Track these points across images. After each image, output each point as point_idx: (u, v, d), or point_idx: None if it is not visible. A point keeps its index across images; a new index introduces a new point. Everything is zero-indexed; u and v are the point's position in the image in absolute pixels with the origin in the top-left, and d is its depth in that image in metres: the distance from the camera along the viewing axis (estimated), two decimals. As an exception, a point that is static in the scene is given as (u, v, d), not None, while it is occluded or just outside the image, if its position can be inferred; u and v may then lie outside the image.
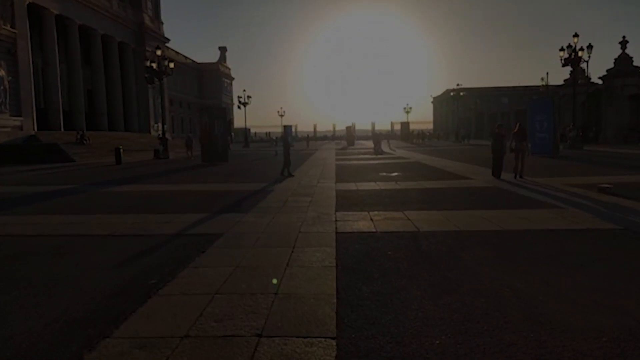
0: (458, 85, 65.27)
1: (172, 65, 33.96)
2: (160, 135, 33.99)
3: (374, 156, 33.10)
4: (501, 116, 76.25)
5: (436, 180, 15.54)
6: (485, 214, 9.01)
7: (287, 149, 18.32)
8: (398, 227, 7.92)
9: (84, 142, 36.96)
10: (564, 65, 34.02)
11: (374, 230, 7.69)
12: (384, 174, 18.67)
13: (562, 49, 33.73)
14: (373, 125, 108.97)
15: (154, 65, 33.30)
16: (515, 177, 15.42)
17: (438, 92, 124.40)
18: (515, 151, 15.61)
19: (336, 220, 8.57)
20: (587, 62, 34.03)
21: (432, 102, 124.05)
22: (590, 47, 33.26)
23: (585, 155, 27.63)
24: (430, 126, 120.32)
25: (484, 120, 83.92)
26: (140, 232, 7.93)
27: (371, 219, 8.62)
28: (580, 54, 33.51)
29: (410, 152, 38.29)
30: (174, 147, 49.43)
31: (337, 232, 7.56)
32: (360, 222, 8.35)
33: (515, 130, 16.17)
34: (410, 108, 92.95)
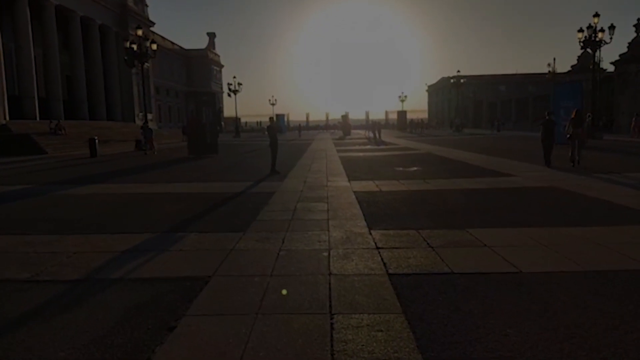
0: (458, 72, 62.44)
1: (154, 47, 30.78)
2: (143, 124, 30.83)
3: (376, 147, 30.35)
4: (501, 104, 73.73)
5: (470, 177, 12.80)
6: (584, 232, 6.29)
7: (275, 141, 15.38)
8: (479, 262, 5.15)
9: (59, 132, 33.72)
10: (582, 48, 31.44)
11: (447, 270, 4.91)
12: (401, 168, 15.91)
13: (580, 30, 31.06)
14: (367, 114, 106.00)
15: (135, 46, 30.10)
16: (573, 165, 14.78)
17: (432, 80, 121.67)
18: (571, 138, 15.01)
19: (378, 248, 5.78)
20: (607, 43, 31.35)
21: (427, 91, 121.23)
22: (612, 27, 30.57)
23: (613, 146, 25.08)
24: (425, 115, 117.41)
25: (483, 109, 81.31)
26: (76, 275, 5.07)
27: (429, 246, 5.83)
28: (600, 35, 30.85)
29: (414, 142, 35.54)
30: (160, 137, 46.36)
31: (389, 273, 4.80)
32: (416, 252, 5.58)
33: (572, 117, 15.47)
34: (406, 96, 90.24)
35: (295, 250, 5.76)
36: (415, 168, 15.98)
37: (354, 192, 10.62)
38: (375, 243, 6.01)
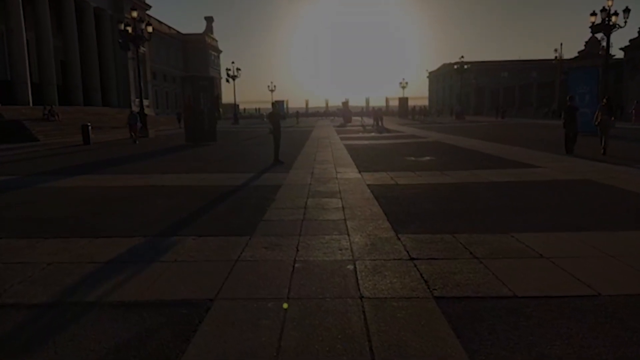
0: (461, 58, 61.08)
1: (150, 29, 29.50)
2: (138, 110, 29.68)
3: (380, 135, 29.31)
4: (504, 91, 72.49)
5: (491, 169, 11.82)
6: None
7: (278, 129, 14.34)
8: (544, 281, 4.18)
9: (52, 118, 32.56)
10: (593, 32, 30.29)
11: (508, 293, 3.93)
12: (412, 158, 14.92)
13: (593, 13, 29.83)
14: (367, 100, 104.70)
15: (129, 29, 28.84)
16: (604, 153, 14.36)
17: (432, 67, 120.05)
18: (600, 126, 14.73)
19: (412, 259, 4.81)
20: (621, 27, 30.16)
21: (428, 77, 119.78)
22: (627, 10, 29.36)
23: (630, 134, 24.07)
24: (426, 102, 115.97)
25: (485, 96, 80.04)
26: (45, 296, 4.09)
27: (474, 256, 4.86)
28: (614, 19, 29.64)
29: (419, 129, 34.47)
30: (157, 123, 45.19)
31: (435, 297, 3.83)
32: (461, 265, 4.61)
33: (603, 104, 15.11)
34: (407, 83, 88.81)
35: (314, 261, 4.79)
36: (428, 157, 14.99)
37: (368, 185, 9.63)
38: (408, 252, 5.04)
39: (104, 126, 37.61)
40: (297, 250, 5.18)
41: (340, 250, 5.16)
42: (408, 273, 4.39)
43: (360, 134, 30.22)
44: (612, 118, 15.27)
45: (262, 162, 14.48)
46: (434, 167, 12.38)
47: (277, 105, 15.53)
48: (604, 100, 15.24)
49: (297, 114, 68.07)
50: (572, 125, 14.86)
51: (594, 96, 22.54)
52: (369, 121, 55.06)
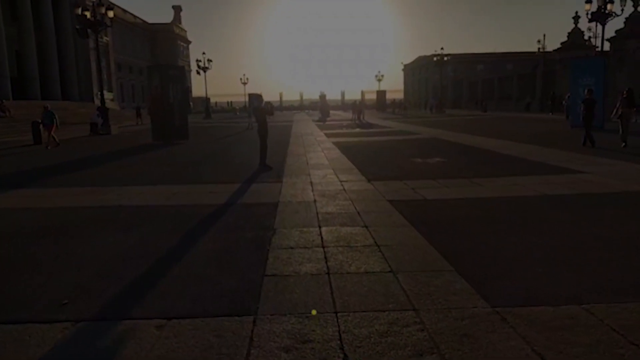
0: (442, 49, 59.51)
1: (111, 14, 26.48)
2: (99, 105, 26.72)
3: (366, 130, 27.19)
4: (482, 83, 71.34)
5: (525, 175, 9.79)
6: None
7: (264, 127, 12.04)
8: None
9: (2, 114, 29.26)
10: (590, 21, 28.83)
11: None
12: (419, 159, 12.83)
13: (588, 1, 28.34)
14: (343, 94, 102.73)
15: (88, 14, 25.82)
16: (624, 145, 14.06)
17: (406, 59, 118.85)
18: (621, 118, 14.46)
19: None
20: (618, 16, 28.75)
21: (403, 70, 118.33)
22: (624, -3, 27.93)
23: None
24: (401, 95, 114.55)
25: (463, 88, 78.84)
26: None
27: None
28: (609, 7, 28.21)
29: (404, 124, 32.50)
30: (122, 118, 41.89)
31: None
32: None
33: (624, 96, 14.82)
34: (382, 76, 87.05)
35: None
36: (437, 159, 12.90)
37: (390, 202, 7.41)
38: (542, 356, 2.83)
39: (62, 122, 34.35)
40: (345, 355, 2.91)
41: (422, 356, 2.91)
42: None
43: (345, 130, 28.03)
44: (635, 109, 15.55)
45: (245, 166, 12.10)
46: (454, 173, 10.27)
47: (265, 101, 13.11)
48: (625, 92, 15.03)
49: (271, 107, 65.13)
50: (590, 119, 14.79)
51: (600, 87, 20.82)
52: (347, 115, 53.02)
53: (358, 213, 6.72)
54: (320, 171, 11.08)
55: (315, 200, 7.66)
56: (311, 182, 9.47)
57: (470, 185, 8.83)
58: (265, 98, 12.67)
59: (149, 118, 21.96)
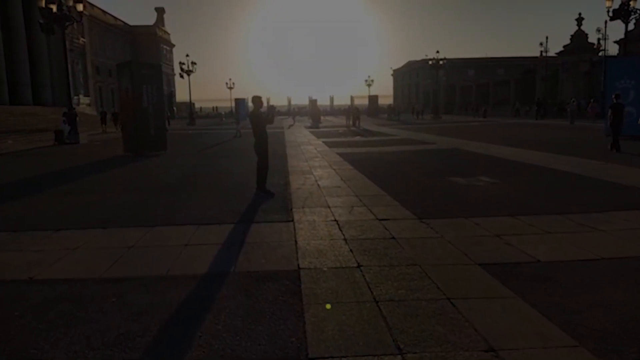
0: (437, 52, 56.96)
1: (80, 7, 23.24)
2: (67, 110, 23.38)
3: (367, 139, 24.31)
4: (476, 88, 69.11)
5: (626, 210, 6.96)
6: None
7: (264, 140, 8.96)
8: None
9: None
10: (612, 19, 26.48)
11: None
12: (460, 180, 9.98)
13: (609, -3, 26.03)
14: (332, 99, 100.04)
15: (53, 7, 22.58)
16: None
17: (395, 64, 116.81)
18: None
19: None
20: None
21: (393, 75, 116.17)
22: (648, -6, 25.65)
23: None
24: (390, 100, 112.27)
25: (455, 94, 76.57)
26: None
27: None
28: (632, 4, 25.95)
29: (406, 131, 29.80)
30: (97, 125, 38.30)
31: None
32: None
33: None
34: (372, 80, 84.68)
35: None
36: (484, 179, 10.04)
37: (484, 267, 4.49)
38: None
39: (27, 129, 30.98)
40: None
41: None
42: None
43: (344, 138, 25.10)
44: None
45: (237, 191, 9.10)
46: (532, 204, 7.41)
47: (266, 103, 10.08)
48: None
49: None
50: (618, 124, 14.35)
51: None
52: (339, 121, 50.25)
53: (448, 299, 3.77)
54: (340, 199, 8.12)
55: (359, 265, 4.69)
56: (337, 222, 6.49)
57: (579, 228, 5.95)
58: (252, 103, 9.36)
59: (114, 126, 18.70)
